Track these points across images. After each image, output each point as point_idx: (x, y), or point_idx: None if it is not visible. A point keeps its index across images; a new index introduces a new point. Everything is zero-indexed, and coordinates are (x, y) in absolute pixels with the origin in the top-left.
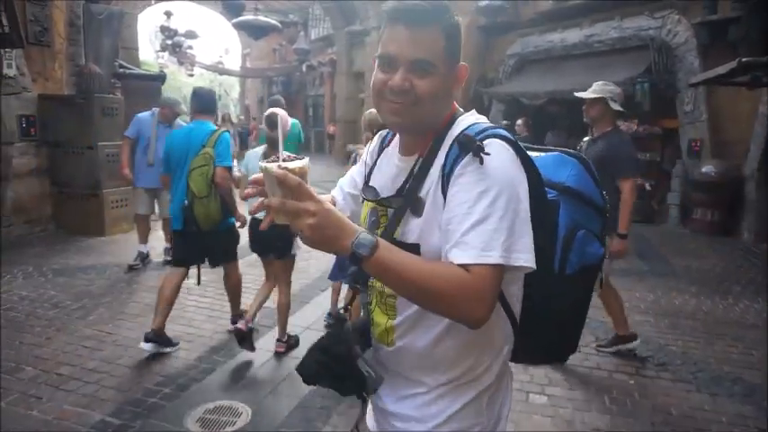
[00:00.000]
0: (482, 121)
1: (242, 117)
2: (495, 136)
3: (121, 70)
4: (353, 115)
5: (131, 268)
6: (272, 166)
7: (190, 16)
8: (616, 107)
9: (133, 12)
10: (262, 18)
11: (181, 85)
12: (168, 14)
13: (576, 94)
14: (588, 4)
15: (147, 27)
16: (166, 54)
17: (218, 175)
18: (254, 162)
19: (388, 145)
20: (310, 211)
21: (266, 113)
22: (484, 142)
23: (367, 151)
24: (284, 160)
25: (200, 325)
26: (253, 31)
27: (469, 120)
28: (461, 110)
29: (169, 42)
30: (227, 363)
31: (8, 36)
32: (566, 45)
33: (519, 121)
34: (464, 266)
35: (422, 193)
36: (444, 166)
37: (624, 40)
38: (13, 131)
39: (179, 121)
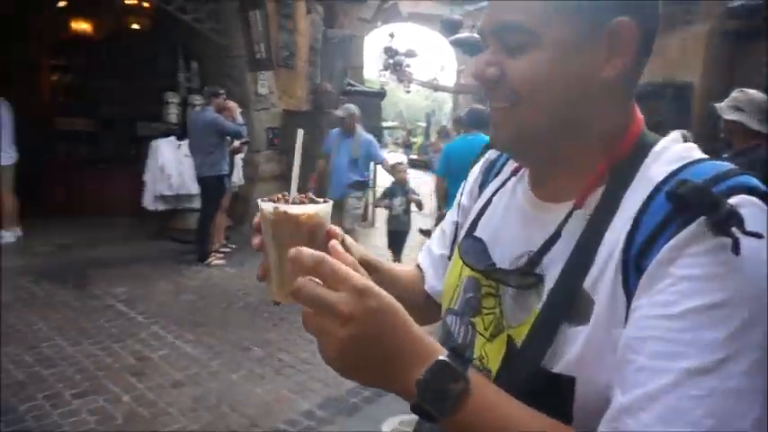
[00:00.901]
0: (699, 154)
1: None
2: (745, 189)
3: (349, 87)
4: None
5: None
6: (268, 206)
7: (410, 36)
8: (753, 125)
9: (361, 34)
10: (477, 35)
11: (398, 100)
12: (392, 36)
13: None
14: None
15: (373, 48)
16: (388, 72)
17: None
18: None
19: (498, 173)
20: (342, 314)
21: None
22: (731, 203)
23: (461, 189)
24: (292, 202)
25: None
26: (469, 48)
27: (678, 150)
28: (647, 131)
29: (391, 61)
30: None
31: (264, 61)
32: None
33: None
34: None
35: (586, 283)
36: (634, 233)
37: None
38: (261, 141)
39: (359, 129)
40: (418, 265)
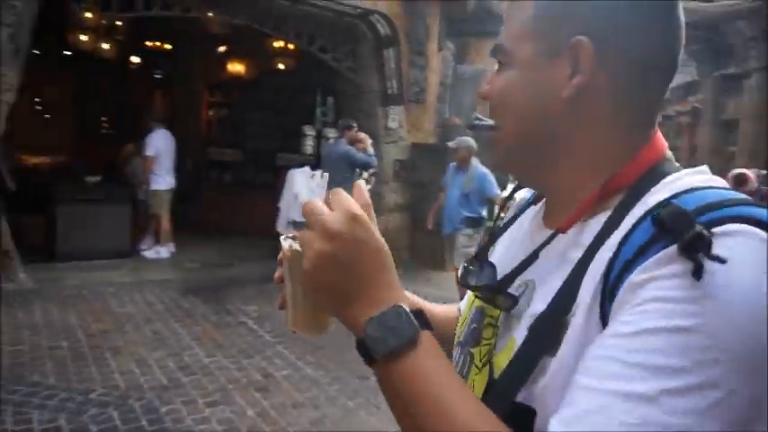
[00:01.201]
0: (717, 182)
1: None
2: (743, 219)
3: (477, 121)
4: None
5: None
6: (285, 244)
7: None
8: None
9: (492, 69)
10: None
11: None
12: None
13: None
14: None
15: None
16: None
17: None
18: None
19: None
20: (329, 230)
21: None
22: (717, 230)
23: (507, 215)
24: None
25: None
26: None
27: (691, 180)
28: (672, 162)
29: None
30: None
31: (395, 96)
32: None
33: None
34: None
35: (570, 315)
36: (616, 258)
37: None
38: (388, 173)
39: (475, 162)
40: (459, 309)
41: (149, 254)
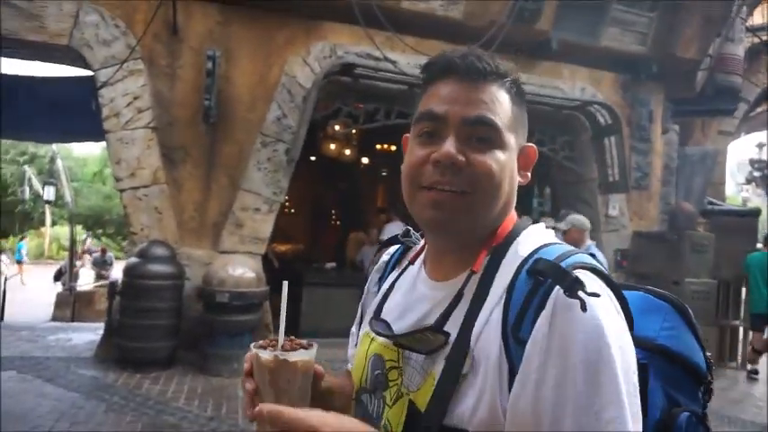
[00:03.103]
0: (552, 240)
1: None
2: (585, 267)
3: (710, 207)
4: None
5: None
6: (266, 355)
7: None
8: None
9: (723, 148)
10: None
11: None
12: (760, 146)
13: None
14: None
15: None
16: (751, 186)
17: None
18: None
19: (397, 266)
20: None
21: None
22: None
23: (371, 279)
24: (282, 347)
25: None
26: None
27: (537, 238)
28: (522, 219)
29: (757, 174)
30: None
31: (617, 183)
32: None
33: None
34: None
35: (472, 341)
36: (508, 305)
37: None
38: (609, 263)
39: (589, 245)
40: (347, 370)
41: None
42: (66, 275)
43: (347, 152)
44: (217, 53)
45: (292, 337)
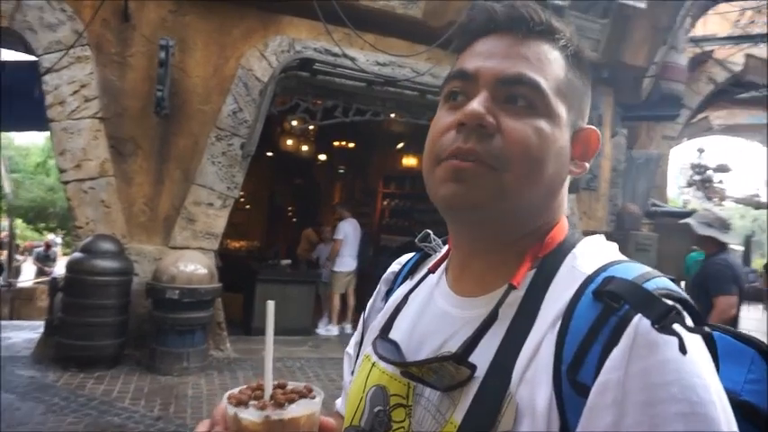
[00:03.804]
0: (622, 257)
1: None
2: (672, 297)
3: (653, 208)
4: None
5: None
6: (252, 416)
7: (722, 149)
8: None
9: (666, 153)
10: None
11: None
12: (701, 151)
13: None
14: None
15: (672, 164)
16: (692, 189)
17: None
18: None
19: (410, 276)
20: None
21: None
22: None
23: (376, 293)
24: (272, 399)
25: None
26: None
27: (601, 251)
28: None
29: (697, 178)
30: None
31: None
32: None
33: None
34: None
35: (512, 385)
36: (563, 337)
37: None
38: None
39: None
40: (337, 412)
41: (321, 331)
42: (5, 272)
43: (304, 148)
44: (170, 42)
45: (284, 382)
